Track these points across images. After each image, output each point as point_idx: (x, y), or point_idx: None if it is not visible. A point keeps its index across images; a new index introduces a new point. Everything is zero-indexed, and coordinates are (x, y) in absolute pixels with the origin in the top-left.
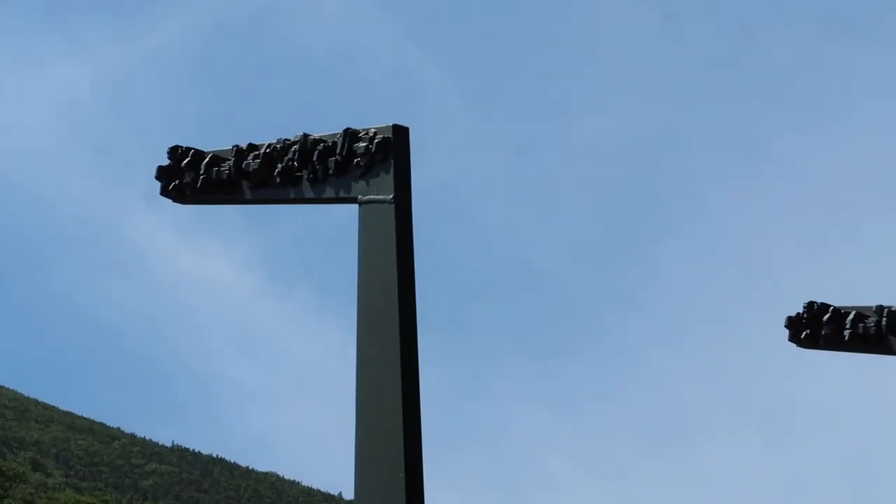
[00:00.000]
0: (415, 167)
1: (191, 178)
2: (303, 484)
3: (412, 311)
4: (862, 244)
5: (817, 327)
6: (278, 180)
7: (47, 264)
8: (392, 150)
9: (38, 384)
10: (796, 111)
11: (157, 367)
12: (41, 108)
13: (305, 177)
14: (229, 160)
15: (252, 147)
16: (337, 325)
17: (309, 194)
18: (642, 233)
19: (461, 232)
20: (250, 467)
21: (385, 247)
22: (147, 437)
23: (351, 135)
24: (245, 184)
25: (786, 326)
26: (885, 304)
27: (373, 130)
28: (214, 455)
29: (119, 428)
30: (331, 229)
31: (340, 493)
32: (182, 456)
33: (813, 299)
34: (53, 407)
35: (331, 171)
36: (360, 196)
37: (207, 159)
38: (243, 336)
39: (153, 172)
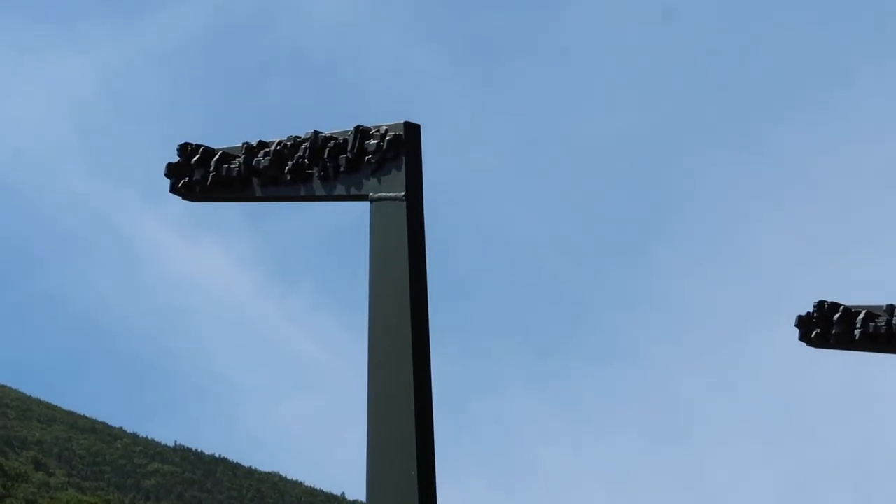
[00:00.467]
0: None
1: (200, 175)
2: (305, 484)
3: (424, 308)
4: (867, 243)
5: (828, 327)
6: (289, 178)
7: (47, 263)
8: (403, 147)
9: (41, 384)
10: (798, 108)
11: (159, 366)
12: (40, 106)
13: (316, 174)
14: (239, 157)
15: (262, 144)
16: (338, 322)
17: (320, 192)
18: (644, 230)
19: (462, 229)
20: (253, 467)
21: (397, 243)
22: (149, 437)
23: (362, 132)
24: (255, 181)
25: (796, 326)
26: (895, 303)
27: (384, 128)
28: (217, 455)
29: (121, 427)
30: (331, 227)
31: (343, 493)
32: (184, 456)
33: (821, 298)
34: (56, 406)
35: (342, 169)
36: (371, 193)
37: (217, 156)
38: (244, 335)
39: (152, 171)
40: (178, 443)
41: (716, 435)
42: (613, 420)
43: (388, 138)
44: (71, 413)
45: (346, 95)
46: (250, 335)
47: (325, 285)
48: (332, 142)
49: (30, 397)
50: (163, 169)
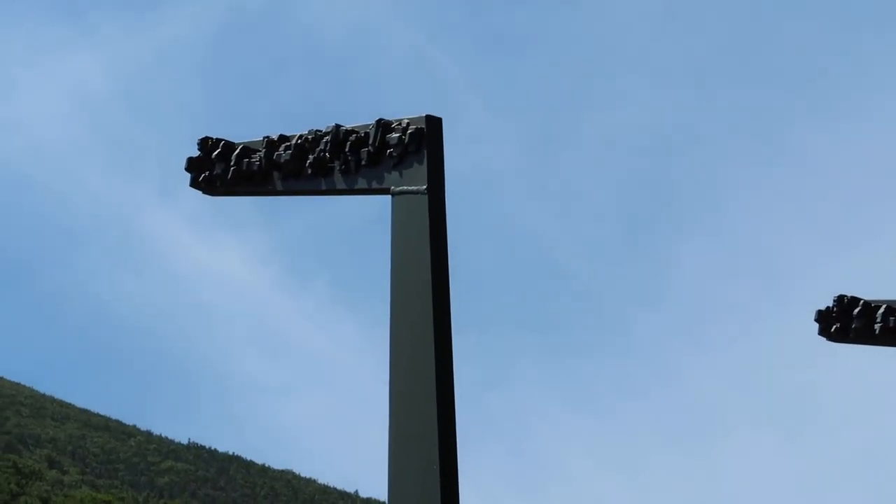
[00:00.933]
0: None
1: (221, 169)
2: (319, 482)
3: (446, 303)
4: (885, 238)
5: (847, 321)
6: (310, 171)
7: (61, 260)
8: (425, 140)
9: (55, 381)
10: (816, 105)
11: (173, 362)
12: (54, 101)
13: (337, 168)
14: (260, 151)
15: (283, 138)
16: (352, 318)
17: (341, 185)
18: (662, 228)
19: (478, 225)
20: (266, 465)
21: (418, 237)
22: (163, 435)
23: (384, 126)
24: (276, 175)
25: (815, 320)
26: None
27: (406, 121)
28: (230, 453)
29: (135, 425)
30: (345, 223)
31: (356, 490)
32: (198, 454)
33: (841, 293)
34: (69, 404)
35: (363, 162)
36: (392, 187)
37: (238, 150)
38: (259, 331)
39: (167, 167)
40: (191, 440)
41: (734, 431)
42: (630, 417)
43: (409, 132)
44: (85, 411)
45: (361, 90)
46: (265, 331)
47: (340, 281)
48: (354, 135)
49: (44, 395)
50: (178, 164)
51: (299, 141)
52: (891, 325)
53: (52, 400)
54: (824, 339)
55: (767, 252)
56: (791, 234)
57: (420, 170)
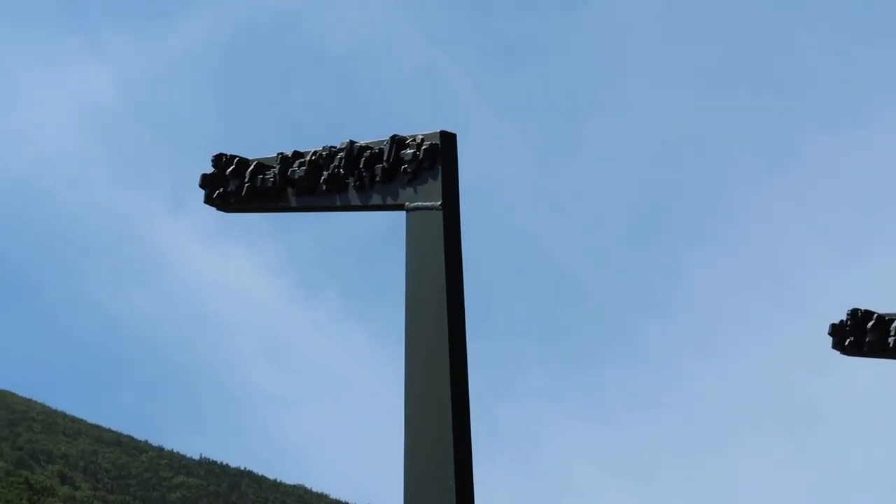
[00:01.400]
0: None
1: (235, 185)
2: (331, 497)
3: (461, 317)
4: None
5: (861, 335)
6: (324, 188)
7: (70, 273)
8: (439, 156)
9: (66, 397)
10: (827, 112)
11: (184, 375)
12: (63, 112)
13: (352, 184)
14: (274, 168)
15: (297, 154)
16: (364, 332)
17: (355, 201)
18: (671, 236)
19: (486, 235)
20: (278, 480)
21: (433, 253)
22: (175, 450)
23: (398, 141)
24: (290, 191)
25: (829, 334)
26: None
27: (420, 137)
28: (242, 468)
29: (147, 441)
30: (355, 237)
31: None
32: (210, 469)
33: (854, 306)
34: (81, 420)
35: (377, 178)
36: (407, 203)
37: (252, 167)
38: (270, 343)
39: (177, 179)
40: (203, 455)
41: (744, 441)
42: (640, 426)
43: (424, 147)
44: (96, 426)
45: (371, 101)
46: (277, 343)
47: (351, 294)
48: (368, 151)
49: (55, 411)
50: (188, 176)
51: (313, 157)
52: None
53: (64, 415)
54: (838, 352)
55: (778, 261)
56: (802, 243)
57: (434, 185)
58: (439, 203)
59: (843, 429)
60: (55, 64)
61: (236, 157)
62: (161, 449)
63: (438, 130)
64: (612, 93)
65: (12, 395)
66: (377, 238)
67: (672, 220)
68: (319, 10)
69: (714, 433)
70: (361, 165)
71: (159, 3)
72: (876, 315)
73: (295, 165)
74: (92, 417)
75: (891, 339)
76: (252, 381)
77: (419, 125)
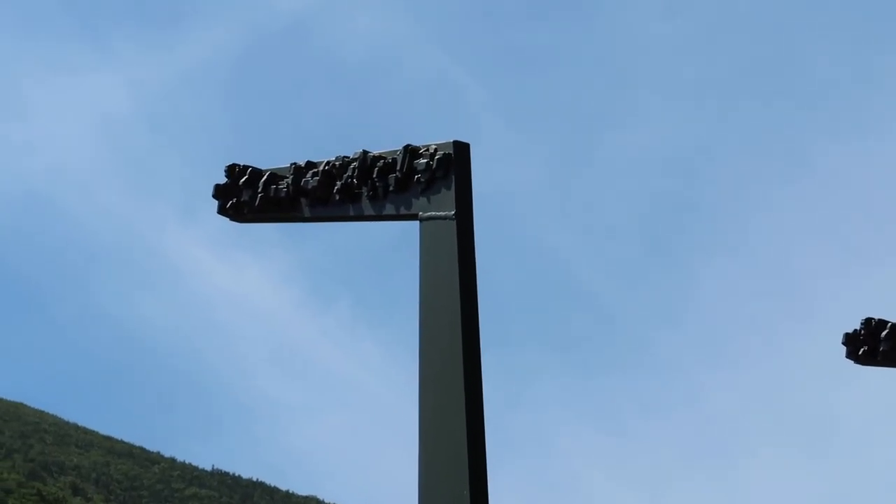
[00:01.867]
0: None
1: (248, 196)
2: None
3: (475, 328)
4: None
5: (875, 344)
6: (337, 198)
7: (81, 284)
8: (453, 166)
9: (78, 408)
10: (838, 121)
11: (196, 386)
12: (75, 123)
13: (365, 194)
14: (287, 178)
15: (310, 164)
16: (376, 341)
17: (369, 211)
18: (683, 246)
19: (500, 245)
20: (290, 490)
21: (447, 263)
22: (187, 461)
23: (411, 151)
24: (304, 201)
25: (843, 343)
26: None
27: (433, 146)
28: (254, 479)
29: (159, 452)
30: (366, 247)
31: None
32: (222, 480)
33: (868, 315)
34: (93, 431)
35: (391, 188)
36: (420, 213)
37: (265, 177)
38: (281, 353)
39: (188, 188)
40: (215, 467)
41: (757, 451)
42: (652, 436)
43: (437, 157)
44: (108, 438)
45: (383, 111)
46: (288, 354)
47: (363, 304)
48: (381, 161)
49: (67, 422)
50: (200, 186)
51: (327, 167)
52: None
53: (76, 427)
54: (852, 361)
55: (790, 270)
56: (814, 253)
57: (448, 195)
58: (453, 213)
59: (858, 438)
60: (66, 73)
61: (249, 167)
62: (173, 460)
63: (452, 140)
64: (625, 104)
65: (24, 406)
66: (389, 248)
67: (684, 230)
68: (332, 20)
69: (727, 443)
70: (374, 175)
71: (169, 12)
72: (890, 324)
73: (308, 175)
74: (104, 429)
75: None
76: (264, 392)
77: (432, 135)
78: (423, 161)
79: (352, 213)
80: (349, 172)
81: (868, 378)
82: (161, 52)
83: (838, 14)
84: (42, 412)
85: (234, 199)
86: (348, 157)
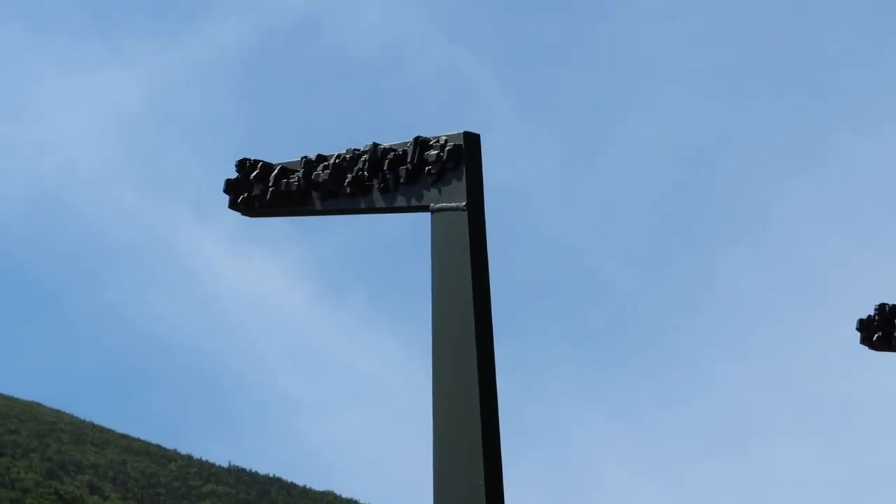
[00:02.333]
0: None
1: (259, 190)
2: (360, 502)
3: (488, 319)
4: None
5: (889, 329)
6: (349, 190)
7: (95, 284)
8: (463, 157)
9: (94, 407)
10: (852, 109)
11: (211, 383)
12: (87, 122)
13: (376, 186)
14: (298, 171)
15: (321, 158)
16: (392, 334)
17: (380, 203)
18: (699, 236)
19: (514, 236)
20: (307, 486)
21: (459, 254)
22: (204, 458)
23: (421, 143)
24: (315, 195)
25: (857, 329)
26: None
27: (443, 138)
28: (271, 475)
29: (175, 449)
30: (379, 239)
31: None
32: (239, 476)
33: (882, 301)
34: (109, 430)
35: (402, 180)
36: (432, 204)
37: (276, 171)
38: (297, 348)
39: (201, 185)
40: (231, 463)
41: (774, 439)
42: (669, 425)
43: (448, 148)
44: (125, 436)
45: (395, 104)
46: (303, 349)
47: (378, 297)
48: (392, 153)
49: (83, 421)
50: (213, 182)
51: (337, 160)
52: None
53: (93, 426)
54: (866, 347)
55: (806, 259)
56: (830, 241)
57: (459, 186)
58: (464, 203)
59: (874, 424)
60: (78, 72)
61: (260, 161)
62: (190, 457)
63: (462, 131)
64: (639, 94)
65: (41, 406)
66: (402, 240)
67: (699, 220)
68: (342, 14)
69: (743, 431)
70: (385, 167)
71: (181, 9)
72: None
73: (319, 169)
74: (120, 427)
75: None
76: (279, 387)
77: (445, 129)
78: (433, 152)
79: (363, 206)
80: (360, 165)
81: (883, 364)
82: (173, 50)
83: (852, 3)
84: (58, 411)
85: (246, 194)
86: (359, 150)
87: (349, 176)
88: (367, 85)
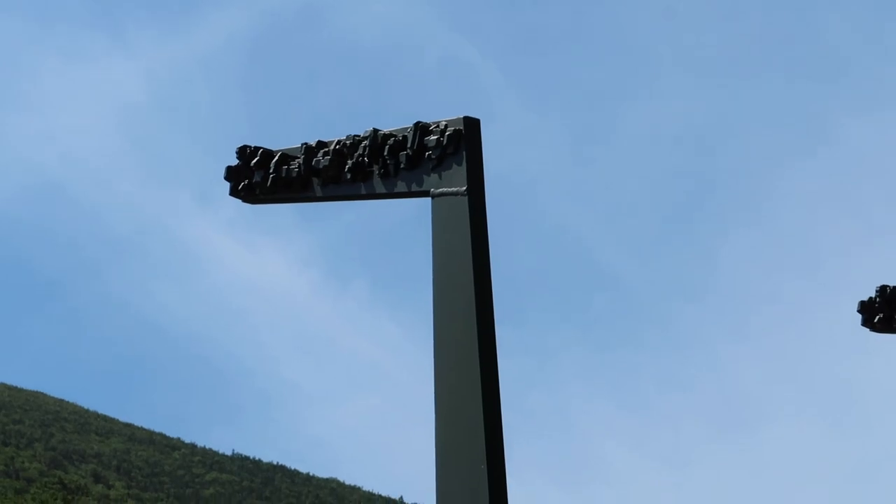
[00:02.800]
0: None
1: (260, 177)
2: (364, 489)
3: (489, 303)
4: None
5: (891, 311)
6: (349, 176)
7: (98, 273)
8: (464, 142)
9: (97, 396)
10: (855, 93)
11: (215, 371)
12: (89, 112)
13: (376, 172)
14: (299, 158)
15: (321, 144)
16: (395, 321)
17: (380, 189)
18: (702, 220)
19: (517, 223)
20: (311, 474)
21: (460, 238)
22: (207, 447)
23: (421, 128)
24: (315, 181)
25: (858, 311)
26: None
27: (443, 123)
28: (275, 462)
29: (179, 438)
30: (381, 226)
31: (401, 496)
32: (242, 464)
33: (884, 283)
34: (113, 419)
35: (402, 166)
36: (432, 189)
37: (277, 158)
38: (300, 336)
39: (204, 174)
40: (235, 451)
41: (778, 421)
42: (673, 409)
43: (447, 133)
44: (129, 425)
45: (397, 92)
46: (307, 336)
47: (381, 282)
48: (392, 139)
49: (87, 410)
50: (214, 172)
51: (338, 146)
52: None
53: (96, 415)
54: (868, 329)
55: (809, 242)
56: (834, 224)
57: (459, 171)
58: (464, 188)
59: (877, 407)
60: (82, 62)
61: (260, 148)
62: (193, 446)
63: (462, 116)
64: (641, 79)
65: (44, 396)
66: (405, 226)
67: (703, 204)
68: (344, 2)
69: (748, 415)
70: (385, 153)
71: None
72: None
73: (319, 155)
74: (124, 416)
75: None
76: (283, 376)
77: (446, 115)
78: (433, 138)
79: (364, 192)
80: (360, 151)
81: (885, 346)
82: (176, 39)
83: None
84: (62, 401)
85: (246, 181)
86: (359, 136)
87: (349, 162)
88: (370, 74)
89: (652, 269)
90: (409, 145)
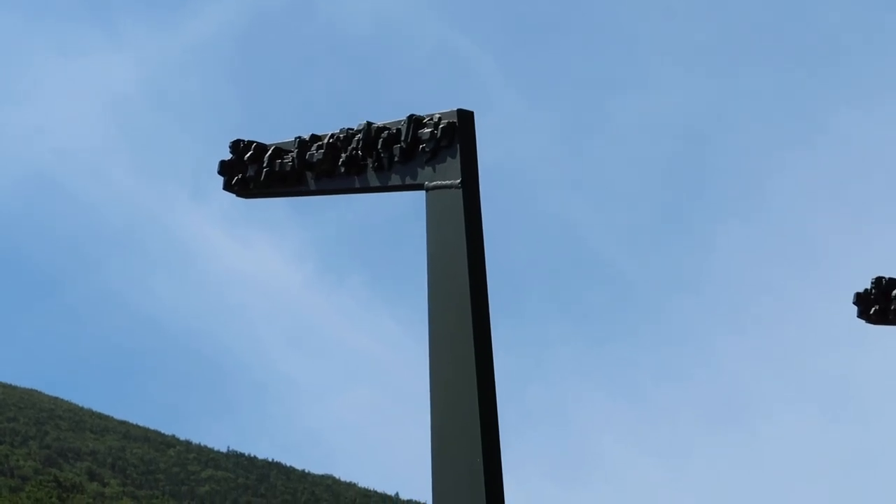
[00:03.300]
0: None
1: (254, 171)
2: (360, 486)
3: (484, 296)
4: None
5: (886, 303)
6: (343, 170)
7: (93, 268)
8: (457, 134)
9: (92, 394)
10: (851, 83)
11: (210, 367)
12: (82, 105)
13: (370, 165)
14: (292, 152)
15: (315, 138)
16: (391, 315)
17: (374, 183)
18: (697, 211)
19: (512, 214)
20: (306, 470)
21: (454, 232)
22: (202, 444)
23: (415, 121)
24: (309, 175)
25: (854, 303)
26: None
27: (437, 116)
28: (270, 459)
29: (174, 435)
30: (376, 220)
31: (397, 493)
32: (238, 461)
33: (879, 275)
34: (108, 416)
35: (396, 159)
36: (426, 182)
37: (270, 152)
38: (295, 331)
39: (198, 167)
40: (230, 448)
41: (774, 413)
42: (669, 401)
43: (441, 126)
44: (124, 422)
45: (389, 83)
46: (302, 331)
47: (376, 278)
48: (386, 132)
49: (82, 408)
50: (208, 165)
51: (331, 140)
52: None
53: (91, 413)
54: (864, 321)
55: (804, 233)
56: (828, 215)
57: (453, 164)
58: (458, 181)
59: (873, 398)
60: (74, 55)
61: (254, 142)
62: (189, 443)
63: (455, 109)
64: (635, 70)
65: (39, 393)
66: (400, 220)
67: (698, 195)
68: None
69: (744, 407)
70: (379, 146)
71: None
72: None
73: (313, 149)
74: (119, 414)
75: None
76: (278, 371)
77: (441, 107)
78: (427, 130)
79: (357, 185)
80: (354, 144)
81: (880, 337)
82: (167, 31)
83: None
84: (57, 399)
85: (240, 175)
86: (352, 129)
87: (343, 155)
88: (363, 65)
89: (648, 260)
90: (402, 138)
